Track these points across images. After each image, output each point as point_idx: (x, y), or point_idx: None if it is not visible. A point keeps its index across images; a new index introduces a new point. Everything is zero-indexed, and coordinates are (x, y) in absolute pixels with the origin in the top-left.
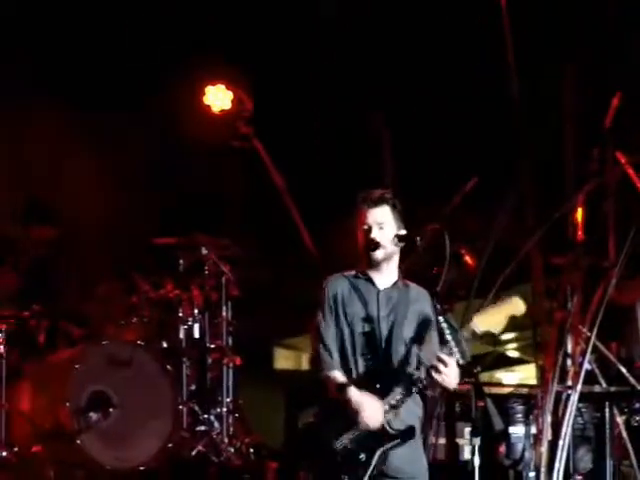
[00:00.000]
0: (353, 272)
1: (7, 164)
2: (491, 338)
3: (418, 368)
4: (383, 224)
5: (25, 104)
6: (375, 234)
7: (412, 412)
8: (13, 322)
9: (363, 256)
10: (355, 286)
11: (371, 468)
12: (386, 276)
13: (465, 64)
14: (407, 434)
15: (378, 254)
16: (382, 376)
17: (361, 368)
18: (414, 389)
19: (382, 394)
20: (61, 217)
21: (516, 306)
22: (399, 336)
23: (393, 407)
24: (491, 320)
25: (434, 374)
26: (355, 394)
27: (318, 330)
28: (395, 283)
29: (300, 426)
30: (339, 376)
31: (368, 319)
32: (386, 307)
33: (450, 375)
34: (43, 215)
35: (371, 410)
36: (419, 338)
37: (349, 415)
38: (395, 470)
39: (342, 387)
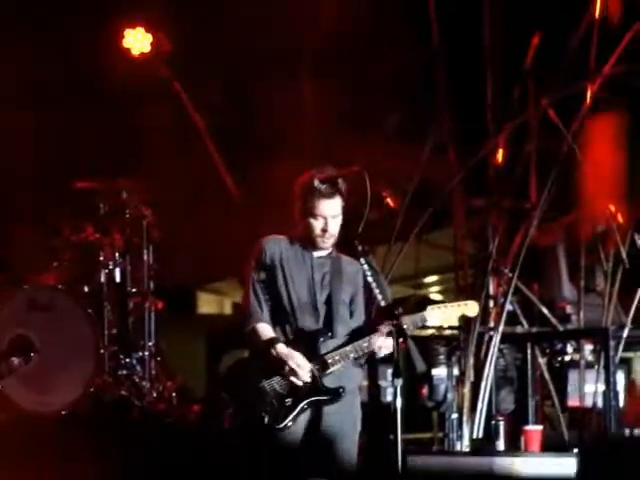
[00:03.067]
0: (289, 236)
1: None
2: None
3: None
4: (336, 215)
5: None
6: (330, 226)
7: (351, 376)
8: None
9: (302, 226)
10: (292, 249)
11: (293, 414)
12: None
13: (388, 6)
14: (336, 394)
15: (330, 243)
16: (318, 337)
17: (298, 327)
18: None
19: (317, 352)
20: None
21: (471, 308)
22: (338, 300)
23: (325, 365)
24: (443, 316)
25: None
26: (283, 348)
27: (251, 282)
28: (329, 253)
29: (232, 362)
30: (267, 330)
31: (305, 282)
32: (320, 273)
33: (385, 346)
34: None
35: (297, 365)
36: (354, 304)
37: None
38: (326, 424)
39: (271, 341)
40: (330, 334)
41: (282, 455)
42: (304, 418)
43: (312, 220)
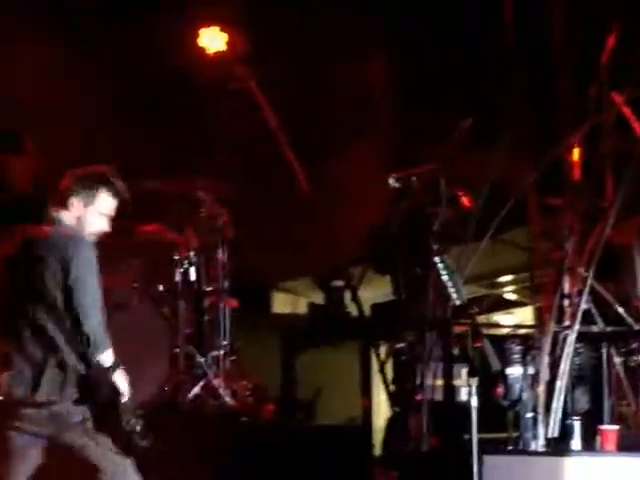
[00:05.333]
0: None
1: None
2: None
3: None
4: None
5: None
6: (106, 227)
7: None
8: None
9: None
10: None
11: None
12: None
13: (461, 5)
14: None
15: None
16: None
17: None
18: None
19: None
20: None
21: None
22: None
23: None
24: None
25: None
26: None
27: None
28: None
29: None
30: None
31: None
32: None
33: None
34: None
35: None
36: None
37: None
38: None
39: (115, 366)
40: None
41: None
42: None
43: (93, 216)
